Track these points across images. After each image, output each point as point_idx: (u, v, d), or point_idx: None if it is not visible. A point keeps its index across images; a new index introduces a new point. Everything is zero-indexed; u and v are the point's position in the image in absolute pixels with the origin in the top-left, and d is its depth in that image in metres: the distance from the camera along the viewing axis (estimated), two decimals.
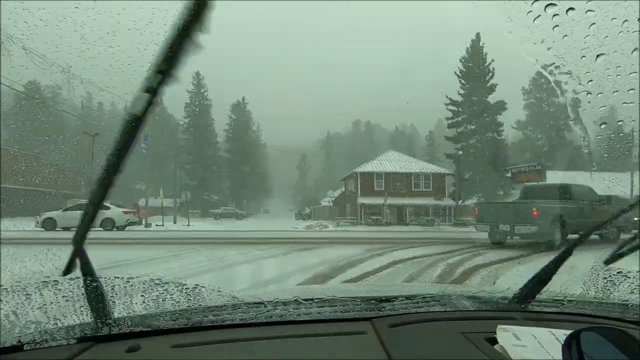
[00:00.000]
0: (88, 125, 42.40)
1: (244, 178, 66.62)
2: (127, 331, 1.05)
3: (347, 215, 42.94)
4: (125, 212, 23.45)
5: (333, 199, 56.38)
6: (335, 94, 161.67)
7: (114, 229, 22.37)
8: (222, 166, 66.25)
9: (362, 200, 38.05)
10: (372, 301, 1.39)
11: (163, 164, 52.76)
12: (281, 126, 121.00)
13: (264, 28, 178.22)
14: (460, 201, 41.35)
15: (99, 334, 1.03)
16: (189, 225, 30.44)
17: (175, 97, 69.21)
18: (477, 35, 46.59)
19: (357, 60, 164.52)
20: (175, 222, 33.42)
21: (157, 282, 1.38)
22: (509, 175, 43.79)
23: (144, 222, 29.36)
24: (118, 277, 1.32)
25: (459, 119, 47.32)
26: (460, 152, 43.51)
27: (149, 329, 1.07)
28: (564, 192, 13.31)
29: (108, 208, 22.79)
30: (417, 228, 30.19)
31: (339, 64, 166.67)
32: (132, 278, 1.35)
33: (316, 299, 1.38)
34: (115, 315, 1.16)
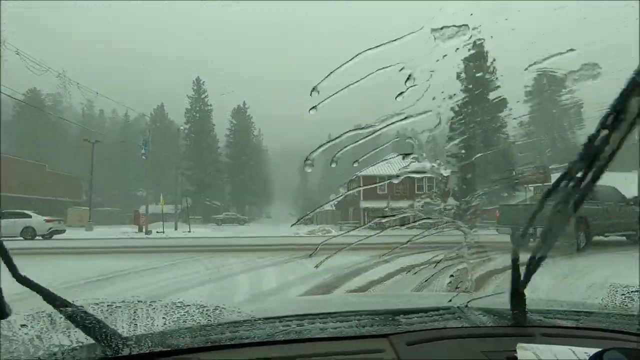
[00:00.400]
0: (88, 133, 42.09)
1: (246, 183, 66.29)
2: (147, 351, 1.07)
3: (349, 220, 42.50)
4: (47, 221, 22.80)
5: (335, 203, 55.88)
6: (336, 96, 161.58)
7: (36, 237, 21.83)
8: (224, 171, 65.98)
9: (364, 204, 37.62)
10: (388, 315, 1.40)
11: (164, 170, 52.51)
12: (282, 130, 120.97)
13: (264, 28, 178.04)
14: (464, 202, 40.84)
15: (119, 354, 1.05)
16: (189, 231, 30.03)
17: (175, 102, 69.20)
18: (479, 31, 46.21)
19: (356, 61, 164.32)
20: (176, 229, 33.01)
21: (178, 304, 1.41)
22: (513, 175, 43.38)
23: (144, 230, 29.02)
24: (141, 301, 1.37)
25: (462, 118, 46.80)
26: (463, 151, 43.06)
27: (169, 349, 1.09)
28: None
29: (29, 216, 22.46)
30: (419, 231, 29.74)
31: (338, 65, 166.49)
32: (154, 302, 1.39)
33: (331, 313, 1.40)
34: (137, 333, 1.20)
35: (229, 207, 66.80)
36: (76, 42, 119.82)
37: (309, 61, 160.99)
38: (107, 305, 1.27)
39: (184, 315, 1.36)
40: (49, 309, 1.16)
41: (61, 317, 1.17)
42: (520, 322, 1.31)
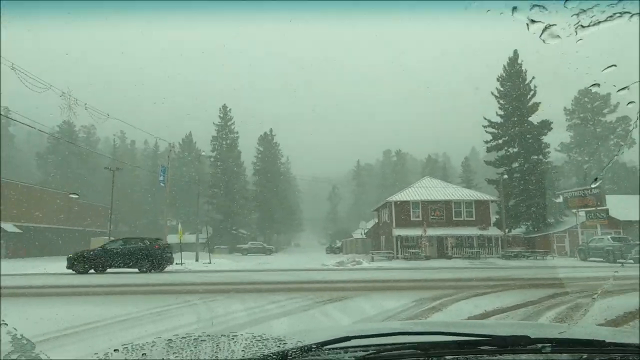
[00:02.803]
0: (116, 163, 41.52)
1: (273, 211, 64.47)
2: None
3: (381, 249, 39.63)
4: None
5: (366, 230, 53.13)
6: (365, 123, 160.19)
7: None
8: (251, 199, 64.50)
9: (397, 231, 34.76)
10: (464, 347, 1.33)
11: (189, 198, 51.41)
12: (310, 157, 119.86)
13: (293, 60, 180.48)
14: (507, 230, 37.43)
15: None
16: (210, 262, 28.08)
17: (202, 130, 69.16)
18: (515, 52, 43.71)
19: (384, 90, 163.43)
20: (197, 260, 31.15)
21: (258, 338, 1.46)
22: (559, 200, 39.71)
23: None
24: (224, 335, 1.47)
25: (500, 141, 43.83)
26: (505, 176, 39.82)
27: None
28: None
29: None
30: (463, 263, 26.60)
31: (367, 95, 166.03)
32: (236, 335, 1.49)
33: (408, 345, 1.34)
34: None
35: (256, 235, 64.90)
36: (104, 73, 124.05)
37: (338, 93, 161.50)
38: (194, 339, 1.42)
39: (262, 348, 1.36)
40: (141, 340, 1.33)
41: (150, 350, 1.31)
42: None
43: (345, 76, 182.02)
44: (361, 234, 54.85)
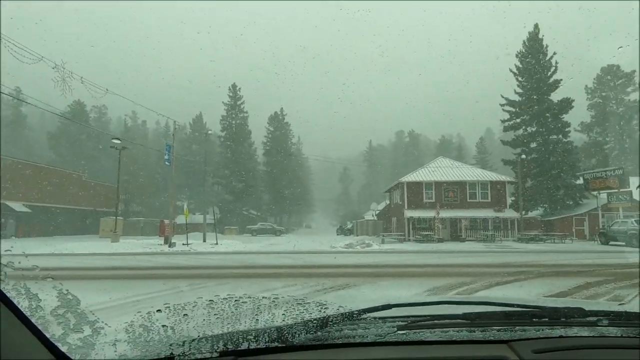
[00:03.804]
0: (124, 143, 41.08)
1: (284, 192, 63.82)
2: (264, 347, 1.13)
3: (392, 231, 38.73)
4: None
5: (377, 212, 52.24)
6: (375, 103, 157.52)
7: None
8: (261, 180, 63.85)
9: (409, 213, 33.74)
10: (512, 317, 1.30)
11: (196, 179, 50.96)
12: (322, 138, 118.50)
13: (304, 34, 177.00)
14: (524, 212, 36.15)
15: (239, 348, 1.13)
16: (216, 244, 27.55)
17: (211, 109, 68.33)
18: (536, 26, 41.60)
19: (398, 68, 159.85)
20: (204, 241, 30.70)
21: (299, 301, 1.46)
22: (579, 182, 38.14)
23: (168, 242, 26.86)
24: (265, 297, 1.48)
25: (518, 120, 42.13)
26: (523, 156, 38.28)
27: (284, 345, 1.14)
28: None
29: None
30: (478, 246, 25.54)
31: (380, 74, 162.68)
32: (277, 298, 1.48)
33: (440, 315, 1.32)
34: (258, 327, 1.25)
35: (267, 216, 64.48)
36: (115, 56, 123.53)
37: (350, 71, 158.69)
38: (235, 300, 1.43)
39: (303, 312, 1.37)
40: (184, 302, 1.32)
41: (193, 311, 1.30)
42: None
43: (358, 56, 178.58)
44: (372, 216, 53.98)
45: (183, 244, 27.34)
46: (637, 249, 23.42)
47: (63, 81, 14.53)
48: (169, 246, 26.24)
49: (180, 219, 37.25)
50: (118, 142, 31.41)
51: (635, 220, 26.63)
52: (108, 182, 55.33)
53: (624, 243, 25.46)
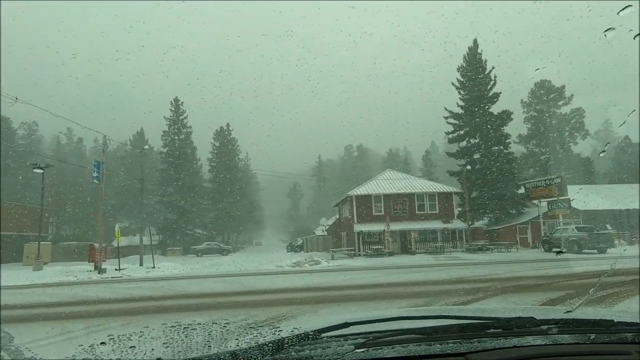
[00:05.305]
0: (50, 162, 37.49)
1: (231, 209, 61.38)
2: None
3: (343, 246, 37.80)
4: None
5: (327, 227, 51.26)
6: (326, 118, 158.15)
7: None
8: (207, 197, 61.08)
9: (359, 227, 32.98)
10: (463, 330, 1.31)
11: (135, 198, 47.69)
12: (270, 153, 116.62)
13: (251, 51, 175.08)
14: (470, 223, 36.48)
15: None
16: (153, 267, 25.26)
17: (152, 123, 64.98)
18: (475, 41, 42.94)
19: (345, 84, 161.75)
20: (141, 264, 28.21)
21: (252, 325, 1.45)
22: (521, 191, 39.20)
23: (98, 268, 24.27)
24: (216, 323, 1.45)
25: (461, 132, 43.03)
26: (468, 167, 38.80)
27: None
28: None
29: None
30: (429, 258, 25.04)
31: (327, 88, 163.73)
32: (228, 323, 1.46)
33: (399, 330, 1.31)
34: (211, 353, 1.19)
35: (214, 235, 61.62)
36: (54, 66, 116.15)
37: (298, 86, 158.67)
38: (184, 328, 1.38)
39: (257, 336, 1.34)
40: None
41: (135, 341, 1.25)
42: (610, 340, 1.21)
43: (304, 72, 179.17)
44: (322, 231, 52.94)
45: (116, 269, 24.85)
46: (580, 255, 23.85)
47: None
48: (99, 272, 23.70)
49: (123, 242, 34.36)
50: (40, 171, 28.41)
51: (575, 227, 27.30)
52: (37, 204, 50.64)
53: (565, 250, 25.91)
